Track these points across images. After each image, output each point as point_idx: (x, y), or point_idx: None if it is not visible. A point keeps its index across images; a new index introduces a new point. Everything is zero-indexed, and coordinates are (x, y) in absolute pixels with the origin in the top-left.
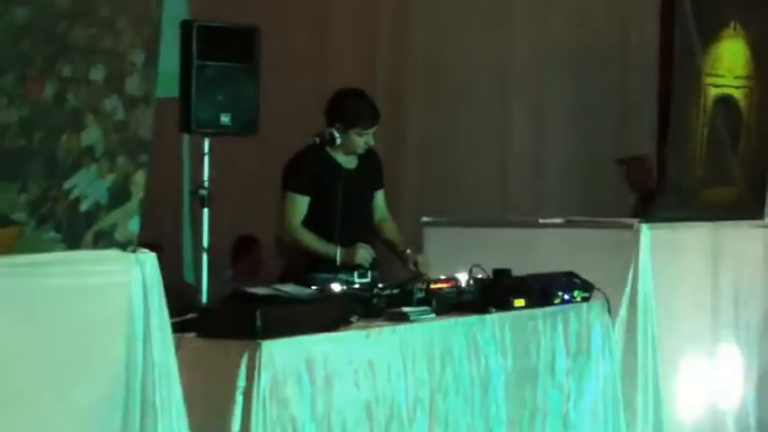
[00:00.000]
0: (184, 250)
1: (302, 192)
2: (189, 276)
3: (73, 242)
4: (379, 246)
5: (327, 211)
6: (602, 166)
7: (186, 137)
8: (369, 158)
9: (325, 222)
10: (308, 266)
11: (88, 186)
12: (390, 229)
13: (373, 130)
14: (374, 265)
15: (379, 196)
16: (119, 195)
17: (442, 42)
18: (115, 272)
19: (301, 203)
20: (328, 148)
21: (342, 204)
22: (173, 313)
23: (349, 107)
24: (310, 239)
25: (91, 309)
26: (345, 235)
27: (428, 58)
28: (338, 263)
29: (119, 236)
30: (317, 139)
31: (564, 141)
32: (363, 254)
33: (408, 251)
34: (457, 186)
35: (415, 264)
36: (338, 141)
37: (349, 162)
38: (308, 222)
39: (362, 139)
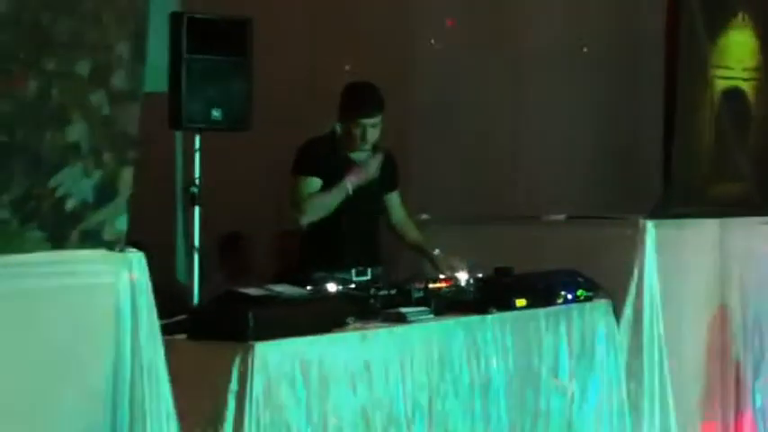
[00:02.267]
0: (178, 249)
1: (314, 175)
2: (182, 276)
3: (58, 241)
4: (387, 235)
5: None
6: (608, 162)
7: (179, 133)
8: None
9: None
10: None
11: (74, 184)
12: (413, 231)
13: (371, 121)
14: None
15: (395, 198)
16: (105, 193)
17: (446, 31)
18: (102, 272)
19: (313, 184)
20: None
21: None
22: (164, 315)
23: (345, 98)
24: (321, 195)
25: (77, 310)
26: (350, 225)
27: (432, 48)
28: (350, 192)
29: (106, 235)
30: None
31: (569, 137)
32: (372, 164)
33: (437, 252)
34: (463, 184)
35: (450, 267)
36: (338, 134)
37: (359, 156)
38: None
39: (359, 131)
